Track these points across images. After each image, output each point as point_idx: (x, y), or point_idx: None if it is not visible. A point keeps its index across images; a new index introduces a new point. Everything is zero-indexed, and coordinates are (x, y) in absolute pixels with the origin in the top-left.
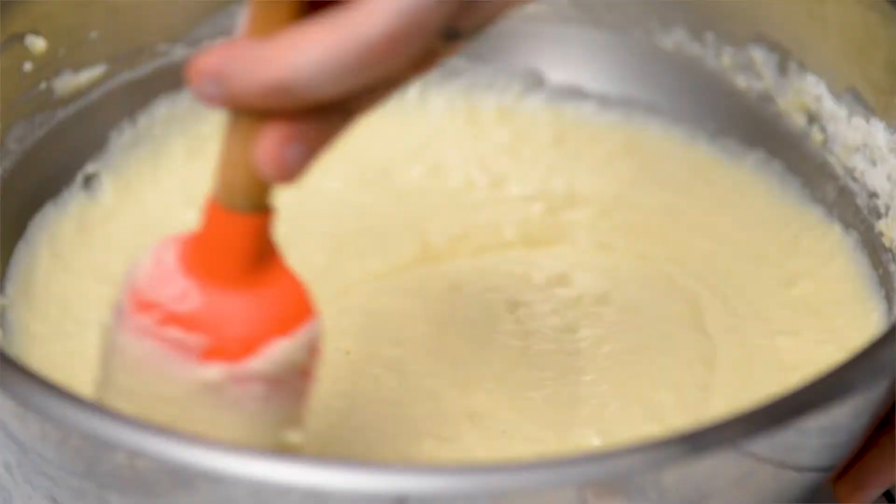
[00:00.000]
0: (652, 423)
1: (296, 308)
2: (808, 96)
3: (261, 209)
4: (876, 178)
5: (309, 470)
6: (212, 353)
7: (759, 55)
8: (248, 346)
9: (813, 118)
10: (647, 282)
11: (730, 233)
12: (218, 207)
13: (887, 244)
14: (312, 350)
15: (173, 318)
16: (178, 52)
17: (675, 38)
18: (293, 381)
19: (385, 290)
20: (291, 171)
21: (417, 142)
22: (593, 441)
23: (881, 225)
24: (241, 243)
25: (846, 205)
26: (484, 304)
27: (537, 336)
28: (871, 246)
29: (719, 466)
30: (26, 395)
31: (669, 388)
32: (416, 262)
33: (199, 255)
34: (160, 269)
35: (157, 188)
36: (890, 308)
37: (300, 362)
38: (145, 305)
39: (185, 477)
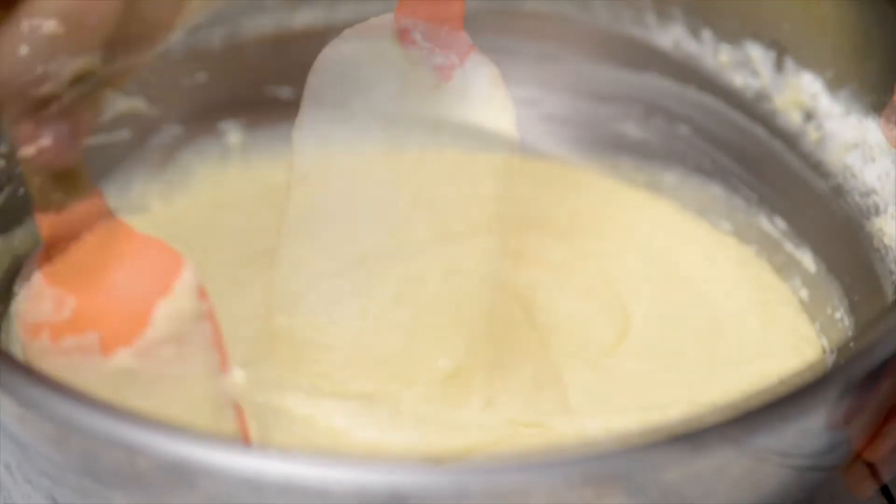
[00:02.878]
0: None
1: (164, 265)
2: (805, 94)
3: (63, 201)
4: (870, 176)
5: (308, 466)
6: (111, 343)
7: (756, 53)
8: (139, 321)
9: (809, 116)
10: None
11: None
12: (38, 214)
13: (887, 241)
14: (200, 294)
15: (61, 329)
16: (176, 40)
17: (672, 36)
18: (197, 330)
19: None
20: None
21: None
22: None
23: (873, 223)
24: (71, 235)
25: (840, 203)
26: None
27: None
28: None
29: (720, 464)
30: (24, 391)
31: None
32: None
33: (54, 262)
34: (31, 290)
35: None
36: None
37: (192, 310)
38: (34, 330)
39: (184, 474)
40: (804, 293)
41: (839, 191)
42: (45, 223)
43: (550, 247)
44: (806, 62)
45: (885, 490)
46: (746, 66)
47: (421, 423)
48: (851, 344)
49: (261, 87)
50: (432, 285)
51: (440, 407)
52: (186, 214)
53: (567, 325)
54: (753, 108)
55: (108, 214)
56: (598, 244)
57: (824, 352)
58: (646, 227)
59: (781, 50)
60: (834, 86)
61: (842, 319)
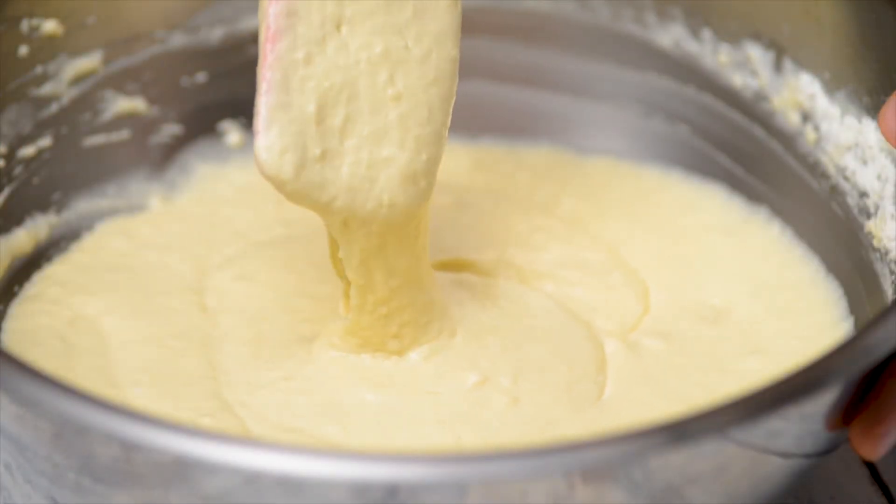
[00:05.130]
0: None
1: None
2: (803, 95)
3: None
4: (866, 178)
5: (305, 461)
6: None
7: (755, 53)
8: None
9: (807, 117)
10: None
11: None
12: None
13: (886, 242)
14: None
15: None
16: (177, 40)
17: (672, 36)
18: None
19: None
20: None
21: None
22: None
23: (869, 225)
24: None
25: (836, 204)
26: None
27: None
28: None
29: (719, 463)
30: (22, 391)
31: None
32: None
33: None
34: None
35: None
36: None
37: None
38: None
39: (181, 470)
40: (804, 293)
41: (836, 191)
42: None
43: (559, 230)
44: (804, 63)
45: (885, 490)
46: (745, 67)
47: (443, 424)
48: (851, 344)
49: None
50: None
51: (463, 407)
52: (186, 214)
53: (596, 304)
54: (752, 109)
55: None
56: (604, 225)
57: (824, 351)
58: (648, 214)
59: (780, 50)
60: (831, 87)
61: (842, 319)
